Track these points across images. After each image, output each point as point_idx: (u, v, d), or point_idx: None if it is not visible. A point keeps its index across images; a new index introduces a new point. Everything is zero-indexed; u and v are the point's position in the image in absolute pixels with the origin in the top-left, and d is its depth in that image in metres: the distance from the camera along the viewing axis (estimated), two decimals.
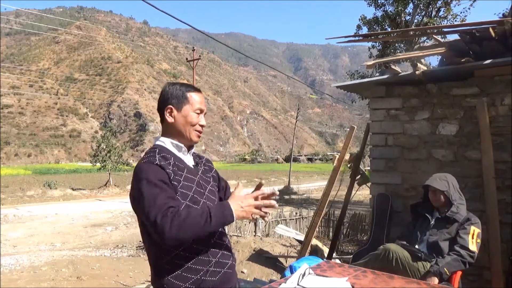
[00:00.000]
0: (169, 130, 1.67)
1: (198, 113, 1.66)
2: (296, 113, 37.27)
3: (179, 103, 1.64)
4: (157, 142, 1.67)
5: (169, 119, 1.64)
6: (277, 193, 1.57)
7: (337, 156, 4.37)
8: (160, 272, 1.54)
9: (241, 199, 1.51)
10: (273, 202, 1.54)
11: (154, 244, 1.54)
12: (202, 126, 1.68)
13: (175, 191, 1.51)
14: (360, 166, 5.02)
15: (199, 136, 1.68)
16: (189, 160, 1.69)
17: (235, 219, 1.48)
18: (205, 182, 1.69)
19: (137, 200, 1.48)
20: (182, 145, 1.66)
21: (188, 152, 1.69)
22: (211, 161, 1.89)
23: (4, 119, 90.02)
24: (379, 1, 16.98)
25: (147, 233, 1.55)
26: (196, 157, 1.77)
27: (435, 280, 2.67)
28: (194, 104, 1.65)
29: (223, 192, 1.83)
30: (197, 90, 1.70)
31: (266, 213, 1.54)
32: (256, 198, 1.53)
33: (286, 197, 21.95)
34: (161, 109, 1.67)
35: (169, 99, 1.65)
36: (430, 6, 15.99)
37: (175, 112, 1.64)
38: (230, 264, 1.64)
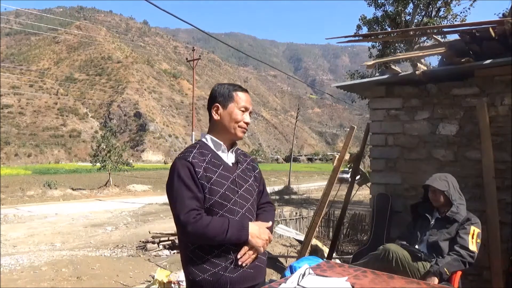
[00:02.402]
0: (215, 127, 1.75)
1: (243, 111, 1.73)
2: (296, 113, 37.27)
3: (225, 101, 1.72)
4: (202, 139, 1.76)
5: (215, 116, 1.73)
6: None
7: (337, 156, 4.37)
8: (185, 261, 1.66)
9: (262, 228, 1.68)
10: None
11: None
12: (246, 123, 1.75)
13: (202, 188, 1.61)
14: (360, 167, 5.01)
15: (244, 132, 1.76)
16: (228, 158, 1.75)
17: (248, 241, 1.62)
18: (242, 180, 1.73)
19: (169, 192, 1.63)
20: (222, 143, 1.73)
21: (229, 150, 1.76)
22: (256, 161, 1.94)
23: (4, 119, 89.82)
24: (379, 1, 16.99)
25: None
26: (241, 155, 1.83)
27: (435, 280, 2.67)
28: (239, 102, 1.73)
29: (260, 195, 1.86)
30: (244, 90, 1.78)
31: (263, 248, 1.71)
32: (269, 229, 1.73)
33: (286, 197, 21.94)
34: (209, 108, 1.76)
35: (216, 98, 1.74)
36: (430, 6, 16.00)
37: (221, 109, 1.73)
38: (253, 265, 1.66)
